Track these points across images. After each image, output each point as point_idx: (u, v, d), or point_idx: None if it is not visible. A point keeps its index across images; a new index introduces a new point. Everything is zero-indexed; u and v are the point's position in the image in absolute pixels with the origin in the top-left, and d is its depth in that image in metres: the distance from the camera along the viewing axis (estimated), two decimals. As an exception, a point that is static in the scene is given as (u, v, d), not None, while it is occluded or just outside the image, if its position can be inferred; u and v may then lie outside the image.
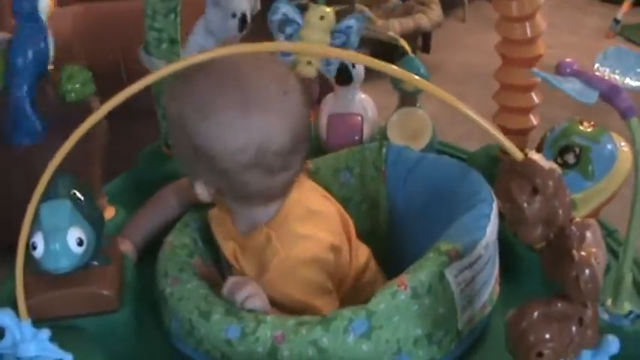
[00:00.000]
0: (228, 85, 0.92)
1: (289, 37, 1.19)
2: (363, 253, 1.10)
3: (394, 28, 3.19)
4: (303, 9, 1.20)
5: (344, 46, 1.19)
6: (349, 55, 0.77)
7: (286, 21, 1.18)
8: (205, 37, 1.20)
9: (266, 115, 0.92)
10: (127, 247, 1.08)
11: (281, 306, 0.97)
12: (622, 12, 3.90)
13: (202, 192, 0.99)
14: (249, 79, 0.93)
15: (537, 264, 0.79)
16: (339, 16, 1.20)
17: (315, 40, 1.18)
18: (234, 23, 1.19)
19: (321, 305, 0.97)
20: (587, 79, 0.89)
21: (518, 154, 0.72)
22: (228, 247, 1.02)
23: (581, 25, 4.10)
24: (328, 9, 1.19)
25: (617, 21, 3.90)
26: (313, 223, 1.02)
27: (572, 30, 3.96)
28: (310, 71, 1.21)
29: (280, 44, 0.92)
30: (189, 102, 0.93)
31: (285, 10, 1.18)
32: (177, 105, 0.95)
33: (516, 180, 0.72)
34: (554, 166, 0.72)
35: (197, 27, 1.21)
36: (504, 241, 1.02)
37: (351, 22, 1.19)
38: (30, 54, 1.20)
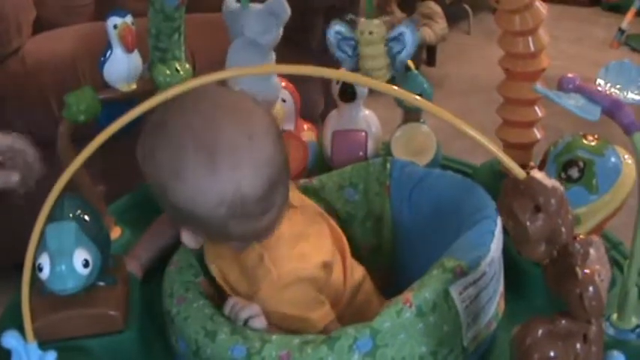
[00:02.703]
0: (194, 142, 0.89)
1: (352, 56, 1.23)
2: (357, 272, 1.11)
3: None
4: (353, 25, 1.23)
5: (400, 52, 1.22)
6: (350, 77, 0.77)
7: (343, 39, 1.21)
8: (246, 50, 1.21)
9: (235, 169, 0.89)
10: (133, 265, 1.09)
11: (276, 323, 0.97)
12: (627, 21, 3.90)
13: (189, 240, 0.97)
14: (213, 131, 0.90)
15: (543, 279, 0.78)
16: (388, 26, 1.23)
17: (374, 54, 1.22)
18: (280, 33, 1.21)
19: (316, 317, 0.98)
20: (590, 95, 0.89)
21: (520, 173, 0.72)
22: (213, 269, 1.03)
23: (586, 35, 4.10)
24: (376, 21, 1.21)
25: (622, 31, 3.90)
26: (304, 244, 1.02)
27: (577, 40, 3.97)
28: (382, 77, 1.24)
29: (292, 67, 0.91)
30: (163, 161, 0.90)
31: (338, 28, 1.21)
32: (152, 163, 0.91)
33: (519, 198, 0.72)
34: (557, 183, 0.72)
35: (235, 44, 1.22)
36: (509, 257, 1.02)
37: (401, 29, 1.21)
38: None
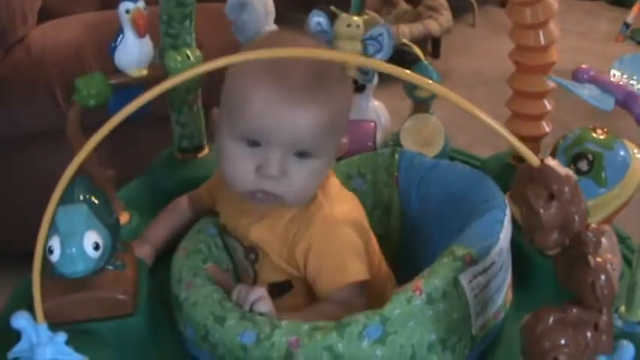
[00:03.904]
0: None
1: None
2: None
3: (404, 34, 3.19)
4: (333, 18, 1.23)
5: (377, 53, 1.22)
6: (372, 63, 0.77)
7: (321, 32, 1.21)
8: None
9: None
10: (144, 250, 1.09)
11: (313, 266, 0.99)
12: (632, 15, 3.90)
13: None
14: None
15: (549, 270, 0.79)
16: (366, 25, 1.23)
17: (347, 49, 1.21)
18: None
19: (355, 268, 0.99)
20: (604, 86, 0.89)
21: (535, 160, 0.72)
22: (252, 233, 1.03)
23: (591, 28, 4.10)
24: (355, 17, 1.20)
25: (627, 24, 3.90)
26: (351, 195, 1.08)
27: (582, 34, 3.97)
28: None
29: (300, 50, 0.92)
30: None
31: (318, 20, 1.22)
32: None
33: (533, 186, 0.72)
34: (570, 172, 0.72)
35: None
36: (517, 248, 1.02)
37: (381, 29, 1.22)
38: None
